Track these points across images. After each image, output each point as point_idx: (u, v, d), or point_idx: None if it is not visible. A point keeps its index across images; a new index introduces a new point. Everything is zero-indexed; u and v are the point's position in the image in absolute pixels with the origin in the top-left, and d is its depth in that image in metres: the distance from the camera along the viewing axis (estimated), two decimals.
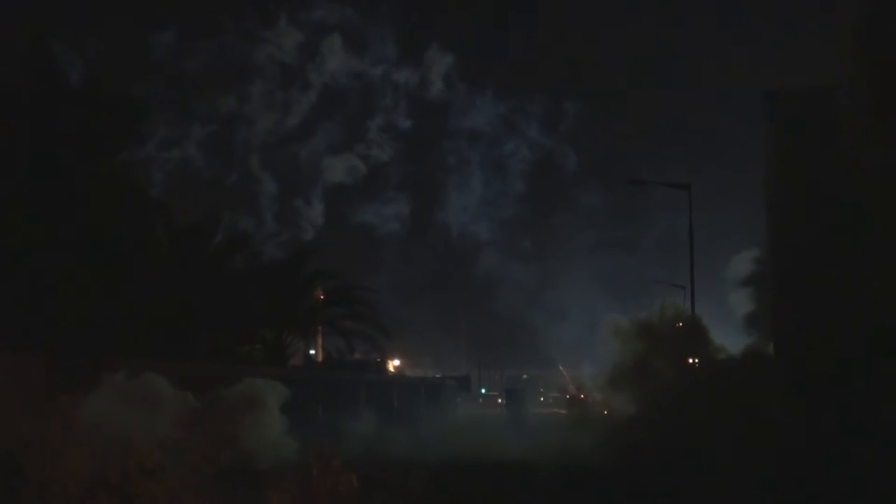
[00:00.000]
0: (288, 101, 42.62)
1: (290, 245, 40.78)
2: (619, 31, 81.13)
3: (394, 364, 57.55)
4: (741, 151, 59.59)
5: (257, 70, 40.90)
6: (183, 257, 29.72)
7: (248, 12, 39.90)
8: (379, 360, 49.77)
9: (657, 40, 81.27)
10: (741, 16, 74.11)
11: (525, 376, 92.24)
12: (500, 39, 78.05)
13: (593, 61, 79.49)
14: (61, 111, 24.47)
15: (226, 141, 41.06)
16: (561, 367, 69.74)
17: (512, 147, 51.64)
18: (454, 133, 50.62)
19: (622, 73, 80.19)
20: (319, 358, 45.96)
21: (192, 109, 40.04)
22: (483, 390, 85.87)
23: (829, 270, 23.48)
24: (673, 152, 67.38)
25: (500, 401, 77.32)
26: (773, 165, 26.47)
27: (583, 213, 61.40)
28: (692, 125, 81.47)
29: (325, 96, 43.85)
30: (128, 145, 27.28)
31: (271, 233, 38.98)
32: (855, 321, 21.95)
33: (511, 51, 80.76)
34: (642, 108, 79.82)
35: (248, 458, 14.29)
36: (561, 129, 57.38)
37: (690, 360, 31.15)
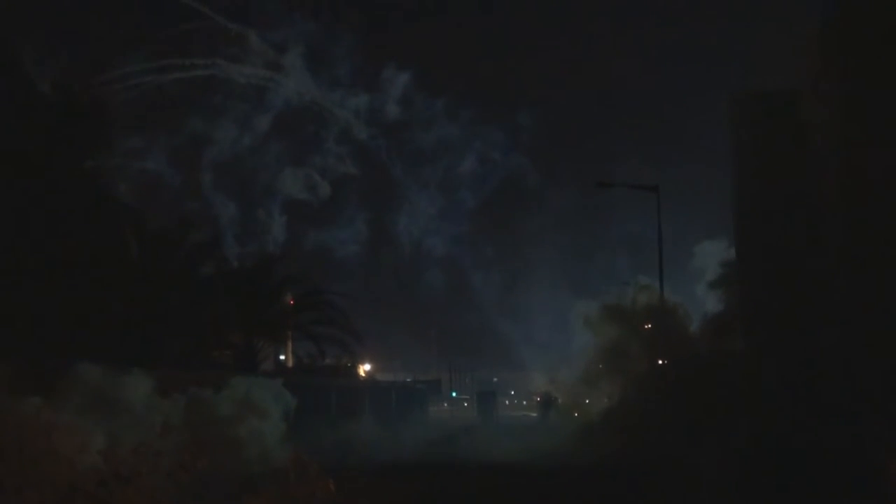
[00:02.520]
0: (250, 118, 42.97)
1: (255, 257, 40.68)
2: (579, 36, 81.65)
3: (364, 369, 57.44)
4: (707, 150, 60.33)
5: (221, 85, 41.13)
6: (152, 262, 29.53)
7: (216, 29, 39.94)
8: (350, 364, 49.70)
9: (620, 42, 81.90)
10: (708, 16, 74.89)
11: (496, 379, 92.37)
12: (457, 50, 78.21)
13: (554, 67, 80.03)
14: (29, 115, 24.27)
15: (188, 155, 41.23)
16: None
17: (471, 156, 52.11)
18: (416, 143, 50.80)
19: (584, 77, 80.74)
20: (290, 363, 45.81)
21: (156, 122, 40.21)
22: (453, 394, 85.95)
23: (796, 271, 23.78)
24: (637, 152, 67.89)
25: (465, 404, 77.50)
26: (740, 167, 26.77)
27: (548, 218, 61.75)
28: (658, 126, 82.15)
29: (286, 114, 44.21)
30: (97, 151, 27.11)
31: (233, 248, 39.10)
32: (824, 321, 22.24)
33: (471, 61, 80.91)
34: (604, 110, 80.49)
35: (237, 464, 14.16)
36: (523, 134, 57.84)
37: (660, 361, 31.26)
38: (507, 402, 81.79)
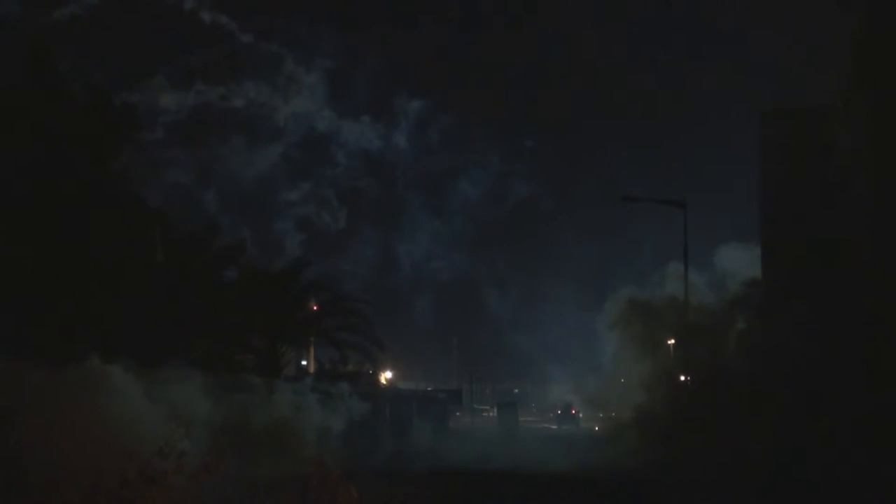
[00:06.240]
0: (269, 139, 43.79)
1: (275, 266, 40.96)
2: (591, 49, 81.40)
3: (385, 376, 57.45)
4: (723, 156, 60.23)
5: (242, 106, 41.86)
6: (179, 265, 29.76)
7: (244, 49, 40.66)
8: (371, 371, 49.76)
9: (635, 53, 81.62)
10: (737, 32, 74.61)
11: (516, 390, 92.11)
12: (468, 68, 78.32)
13: (566, 81, 79.87)
14: (61, 116, 24.56)
15: (210, 171, 42.07)
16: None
17: (488, 173, 52.49)
18: (434, 160, 51.19)
19: (598, 89, 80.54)
20: (311, 368, 45.90)
21: (185, 137, 41.05)
22: (474, 404, 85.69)
23: (820, 286, 23.71)
24: (663, 165, 67.71)
25: (488, 414, 77.46)
26: (766, 182, 26.81)
27: (569, 231, 61.57)
28: (684, 141, 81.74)
29: (307, 136, 44.94)
30: (125, 153, 27.41)
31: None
32: (848, 340, 22.13)
33: (485, 80, 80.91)
34: (620, 122, 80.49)
35: (279, 466, 14.14)
36: (539, 149, 58.34)
37: (682, 378, 31.01)
38: (534, 413, 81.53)
